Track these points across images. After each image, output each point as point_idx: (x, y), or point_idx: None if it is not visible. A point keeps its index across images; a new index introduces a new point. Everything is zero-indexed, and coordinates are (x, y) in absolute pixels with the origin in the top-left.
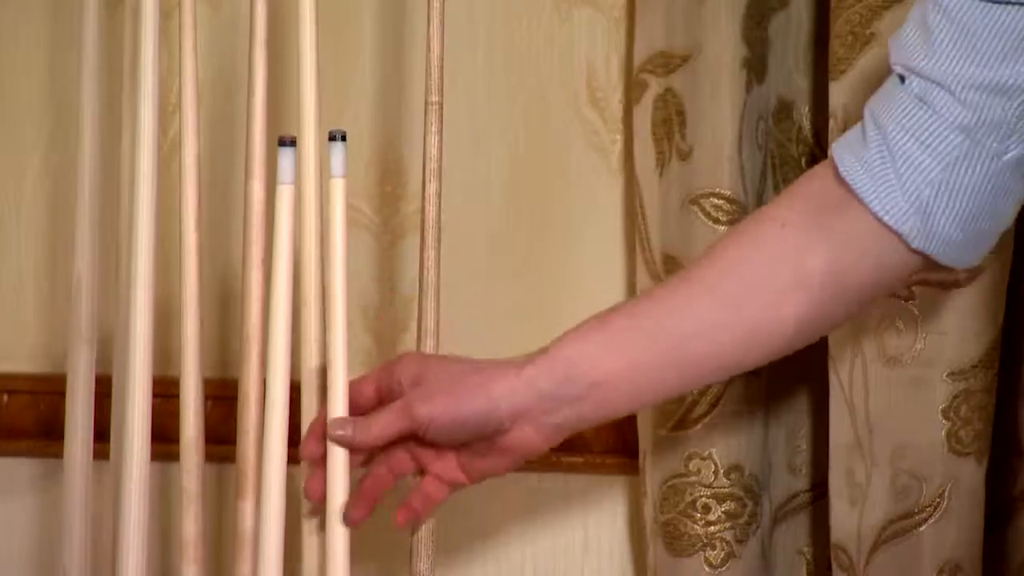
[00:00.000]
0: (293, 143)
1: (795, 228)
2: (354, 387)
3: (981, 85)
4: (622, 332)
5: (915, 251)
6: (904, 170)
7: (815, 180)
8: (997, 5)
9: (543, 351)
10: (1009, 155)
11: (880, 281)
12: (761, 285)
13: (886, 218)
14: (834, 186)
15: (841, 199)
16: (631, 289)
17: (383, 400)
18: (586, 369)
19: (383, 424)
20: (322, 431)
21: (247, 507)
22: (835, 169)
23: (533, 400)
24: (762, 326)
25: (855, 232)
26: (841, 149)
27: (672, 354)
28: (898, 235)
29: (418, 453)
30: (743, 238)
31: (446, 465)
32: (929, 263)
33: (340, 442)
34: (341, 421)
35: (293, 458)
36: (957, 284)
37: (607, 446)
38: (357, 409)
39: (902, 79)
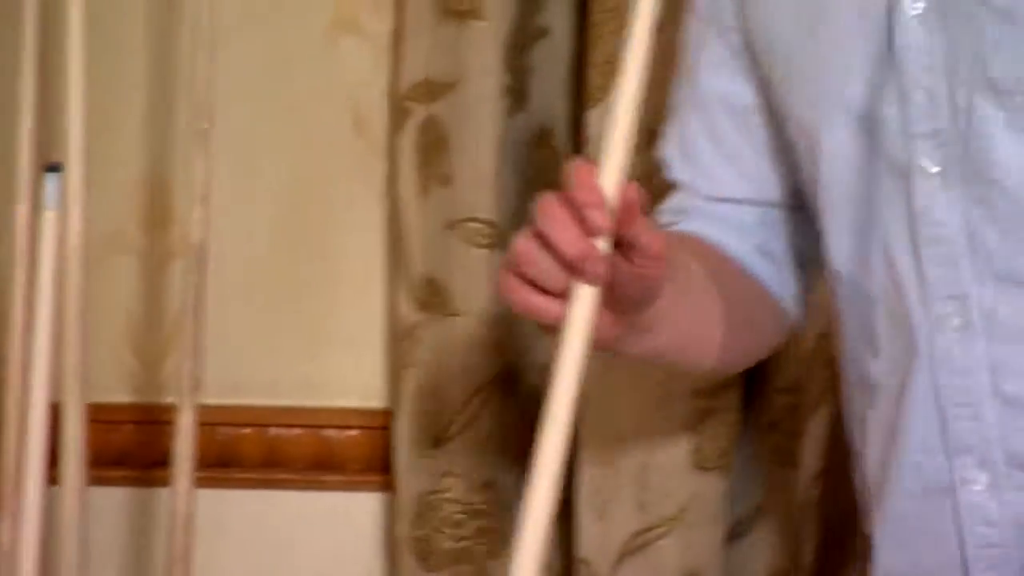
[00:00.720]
0: (58, 168)
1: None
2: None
3: None
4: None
5: None
6: None
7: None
8: None
9: None
10: None
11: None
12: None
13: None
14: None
15: None
16: (391, 312)
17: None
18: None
19: (652, 234)
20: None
21: (5, 526)
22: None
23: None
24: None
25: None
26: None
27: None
28: None
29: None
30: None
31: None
32: None
33: (627, 206)
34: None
35: (52, 479)
36: None
37: (364, 464)
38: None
39: None
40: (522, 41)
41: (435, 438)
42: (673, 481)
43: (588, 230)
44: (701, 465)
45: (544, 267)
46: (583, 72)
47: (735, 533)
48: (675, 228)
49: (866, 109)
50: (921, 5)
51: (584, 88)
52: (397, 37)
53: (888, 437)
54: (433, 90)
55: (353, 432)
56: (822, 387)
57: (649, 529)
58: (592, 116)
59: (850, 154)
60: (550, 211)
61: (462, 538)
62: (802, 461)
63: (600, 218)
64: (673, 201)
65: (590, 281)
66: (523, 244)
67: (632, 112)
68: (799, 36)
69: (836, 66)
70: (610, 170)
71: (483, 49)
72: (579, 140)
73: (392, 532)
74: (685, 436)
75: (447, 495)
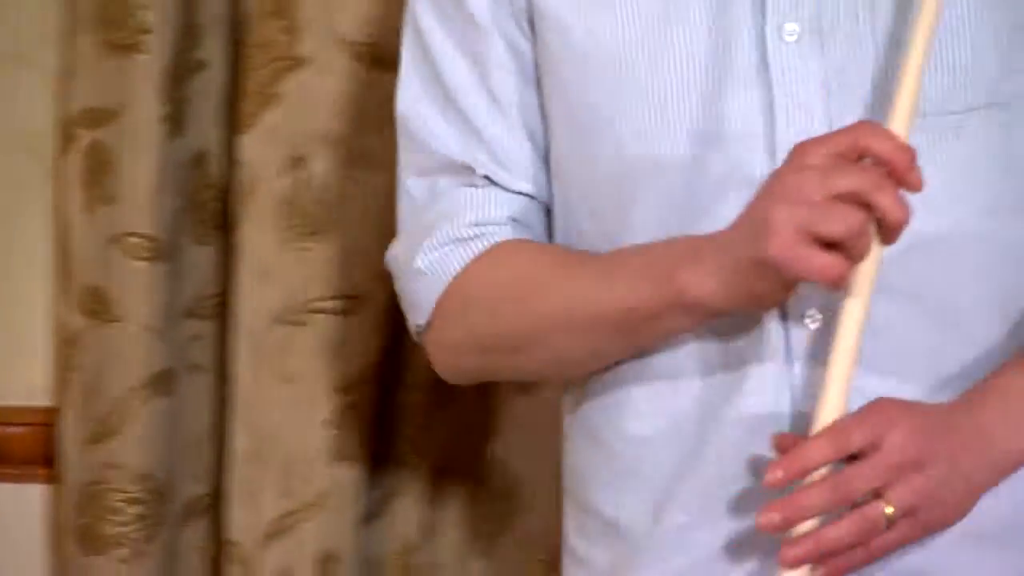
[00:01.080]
0: None
1: None
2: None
3: None
4: None
5: None
6: None
7: None
8: None
9: None
10: None
11: None
12: None
13: None
14: None
15: None
16: (58, 318)
17: None
18: None
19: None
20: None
21: None
22: None
23: None
24: None
25: None
26: None
27: None
28: None
29: None
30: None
31: None
32: None
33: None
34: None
35: None
36: None
37: (29, 457)
38: None
39: None
40: (181, 73)
41: (97, 433)
42: (315, 470)
43: (909, 188)
44: (340, 455)
45: (866, 235)
46: (236, 101)
47: (371, 515)
48: (502, 240)
49: (714, 124)
50: (797, 32)
51: (237, 116)
52: (65, 69)
53: (696, 429)
54: (98, 117)
55: (20, 428)
56: (449, 387)
57: (292, 513)
58: (244, 140)
59: (687, 167)
60: (875, 179)
61: (121, 524)
62: (431, 451)
63: (919, 178)
64: (466, 217)
65: (896, 240)
66: (856, 217)
67: (917, 80)
68: (627, 50)
69: (677, 83)
70: (898, 131)
71: (145, 80)
72: (232, 162)
73: (57, 520)
74: (326, 429)
75: (108, 485)
